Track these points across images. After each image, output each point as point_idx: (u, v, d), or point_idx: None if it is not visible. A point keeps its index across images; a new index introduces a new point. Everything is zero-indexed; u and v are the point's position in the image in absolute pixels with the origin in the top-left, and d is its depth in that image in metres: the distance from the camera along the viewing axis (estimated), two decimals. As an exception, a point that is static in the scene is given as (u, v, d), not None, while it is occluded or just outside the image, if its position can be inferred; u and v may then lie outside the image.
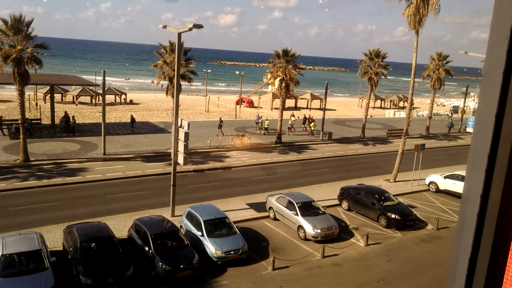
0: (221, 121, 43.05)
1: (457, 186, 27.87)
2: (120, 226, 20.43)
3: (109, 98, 59.69)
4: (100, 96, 49.17)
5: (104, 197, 24.66)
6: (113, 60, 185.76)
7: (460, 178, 27.94)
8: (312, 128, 45.24)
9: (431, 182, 29.63)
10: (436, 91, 51.79)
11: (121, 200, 24.26)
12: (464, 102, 62.46)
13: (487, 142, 1.07)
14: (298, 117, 50.78)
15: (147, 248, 16.92)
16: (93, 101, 60.81)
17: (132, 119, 43.80)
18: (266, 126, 44.66)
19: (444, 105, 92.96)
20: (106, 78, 33.71)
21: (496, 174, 1.07)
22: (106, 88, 36.85)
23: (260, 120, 45.88)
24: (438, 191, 29.02)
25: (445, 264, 18.89)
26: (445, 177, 28.87)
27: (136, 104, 64.45)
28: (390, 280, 17.36)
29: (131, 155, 33.06)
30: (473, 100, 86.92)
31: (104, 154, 32.30)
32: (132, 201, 24.06)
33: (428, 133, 51.45)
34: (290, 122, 46.05)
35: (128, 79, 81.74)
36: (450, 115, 62.73)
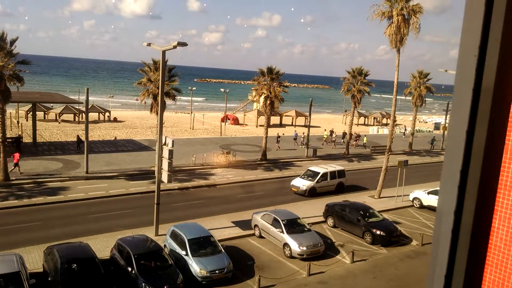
0: (278, 136, 48.09)
1: (440, 202, 28.17)
2: (103, 246, 20.02)
3: (93, 115, 59.25)
4: (83, 113, 48.76)
5: (86, 217, 24.20)
6: (97, 78, 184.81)
7: (443, 193, 28.26)
8: (364, 142, 52.42)
9: (415, 198, 29.88)
10: (418, 108, 52.74)
11: (103, 220, 23.83)
12: (446, 118, 63.62)
13: (459, 159, 1.08)
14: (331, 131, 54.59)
15: (130, 269, 16.59)
16: (76, 118, 60.21)
17: (79, 139, 39.45)
18: (307, 141, 48.01)
19: (426, 122, 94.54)
20: (90, 95, 33.46)
21: (469, 190, 1.07)
22: (89, 106, 36.54)
23: (297, 136, 50.22)
24: (422, 206, 29.26)
25: (430, 280, 18.92)
26: (428, 193, 29.17)
27: (120, 121, 64.02)
28: (376, 297, 17.29)
29: (114, 173, 32.65)
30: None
31: (87, 172, 31.83)
32: (115, 220, 23.66)
33: (411, 149, 52.13)
34: (324, 136, 53.19)
35: (112, 96, 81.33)
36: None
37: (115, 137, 48.92)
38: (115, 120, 64.34)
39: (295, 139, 49.82)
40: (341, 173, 32.32)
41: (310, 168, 32.03)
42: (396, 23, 28.42)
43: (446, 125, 60.53)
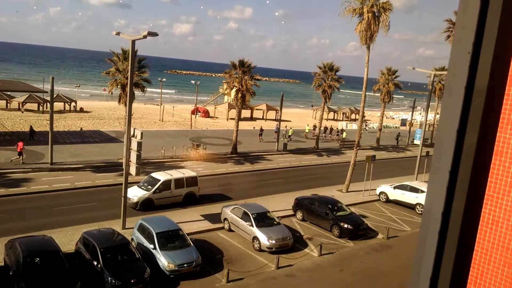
0: (262, 129, 48.91)
1: (406, 196, 28.94)
2: (67, 239, 19.49)
3: (58, 105, 57.38)
4: (48, 103, 47.16)
5: (51, 209, 23.47)
6: (63, 67, 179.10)
7: (409, 188, 29.03)
8: (343, 136, 53.46)
9: (381, 192, 30.55)
10: (386, 104, 53.86)
11: (68, 212, 23.18)
12: (412, 115, 65.24)
13: (448, 159, 1.05)
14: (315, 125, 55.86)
15: (95, 263, 16.22)
16: (41, 108, 58.18)
17: (31, 130, 38.62)
18: (290, 134, 50.30)
19: (393, 118, 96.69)
20: (55, 85, 32.34)
21: (458, 191, 1.04)
22: (54, 95, 35.37)
23: (278, 129, 49.19)
24: (388, 201, 29.96)
25: (395, 273, 19.45)
26: (394, 188, 29.89)
27: (87, 112, 62.34)
28: (343, 290, 17.61)
29: (80, 165, 31.79)
30: (420, 114, 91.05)
31: (51, 163, 30.85)
32: (81, 213, 23.06)
33: (378, 144, 53.24)
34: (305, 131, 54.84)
35: (78, 86, 78.97)
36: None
37: (81, 128, 47.62)
38: (82, 110, 62.60)
39: (276, 132, 49.89)
40: (191, 181, 26.25)
41: (152, 174, 26.14)
42: (367, 20, 28.81)
43: (412, 121, 62.15)
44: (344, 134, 55.28)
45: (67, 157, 33.38)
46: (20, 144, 30.50)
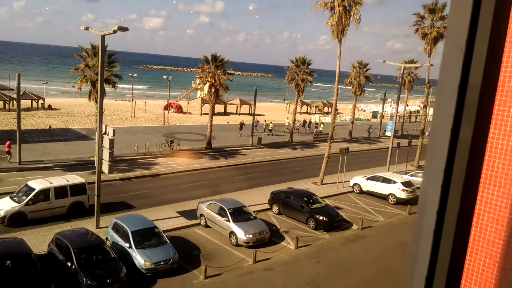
0: (242, 123, 49.57)
1: (379, 187, 29.50)
2: (39, 241, 18.96)
3: (25, 103, 55.61)
4: (14, 101, 45.64)
5: (20, 210, 22.71)
6: (29, 63, 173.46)
7: (381, 179, 29.60)
8: (321, 129, 54.36)
9: (355, 184, 31.03)
10: (357, 97, 54.63)
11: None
12: (383, 107, 66.45)
13: (442, 157, 1.04)
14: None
15: (69, 264, 15.85)
16: (6, 106, 56.19)
17: None
18: (270, 128, 51.42)
19: (365, 111, 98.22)
20: (21, 81, 31.28)
21: (453, 189, 1.04)
22: (21, 93, 34.23)
23: (258, 124, 50.76)
24: (361, 192, 30.47)
25: (370, 263, 19.85)
26: (367, 179, 30.40)
27: (56, 109, 60.65)
28: (320, 282, 17.83)
29: (50, 164, 30.94)
30: (390, 106, 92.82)
31: (20, 163, 29.90)
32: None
33: (351, 137, 54.00)
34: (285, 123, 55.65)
35: (46, 82, 76.64)
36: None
37: (50, 126, 46.30)
38: (50, 107, 60.84)
39: (255, 126, 51.00)
40: (78, 189, 22.58)
41: (28, 183, 22.18)
42: (338, 14, 29.04)
43: (384, 113, 63.30)
44: (322, 126, 56.17)
45: (36, 156, 32.42)
46: (8, 142, 30.45)
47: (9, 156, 30.30)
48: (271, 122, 53.75)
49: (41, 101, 60.84)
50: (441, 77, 1.04)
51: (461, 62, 0.99)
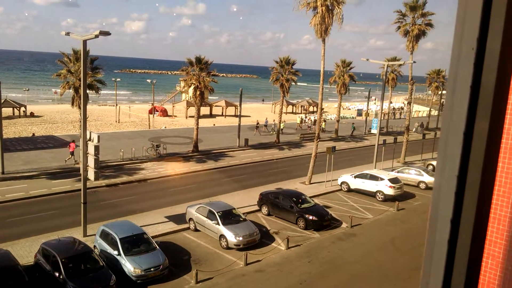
0: (258, 123, 52.60)
1: (366, 185, 29.65)
2: (25, 252, 18.57)
3: (6, 111, 54.55)
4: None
5: (5, 221, 22.25)
6: (9, 70, 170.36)
7: (368, 177, 29.76)
8: (323, 127, 53.46)
9: (342, 182, 31.14)
10: (342, 96, 54.90)
11: (25, 223, 22.08)
12: (367, 105, 66.98)
13: (455, 163, 0.98)
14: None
15: (57, 274, 15.55)
16: (-13, 115, 55.08)
17: None
18: (282, 128, 51.52)
19: (350, 109, 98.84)
20: (2, 89, 30.65)
21: (467, 197, 0.98)
22: (2, 100, 33.57)
23: (267, 123, 54.81)
24: (349, 190, 30.59)
25: (360, 261, 19.91)
26: (355, 177, 30.54)
27: (38, 116, 59.69)
28: (312, 281, 17.81)
29: (34, 173, 30.38)
30: (375, 103, 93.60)
31: (3, 172, 29.30)
32: (38, 223, 22.03)
33: (337, 135, 54.24)
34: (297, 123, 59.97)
35: (28, 90, 75.37)
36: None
37: (33, 134, 45.51)
38: (32, 115, 59.86)
39: (265, 126, 53.54)
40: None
41: None
42: (321, 13, 29.13)
43: (368, 111, 63.78)
44: (324, 124, 55.63)
45: (20, 165, 31.81)
46: (72, 144, 32.57)
47: (73, 157, 31.84)
48: (284, 121, 55.56)
49: (23, 108, 59.85)
50: (451, 78, 0.98)
51: (472, 62, 0.94)
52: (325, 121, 58.55)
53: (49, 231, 20.70)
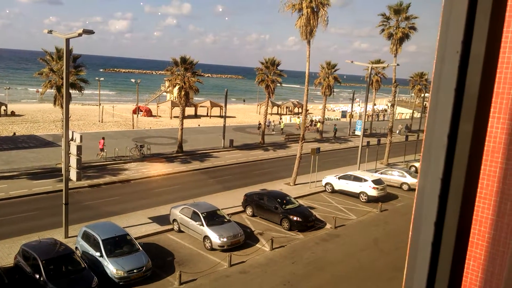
0: (260, 123, 52.03)
1: (350, 186, 29.87)
2: (5, 253, 18.20)
3: (-14, 109, 53.46)
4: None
5: (-17, 222, 21.79)
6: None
7: (352, 178, 29.98)
8: (318, 126, 55.76)
9: (327, 183, 31.31)
10: (327, 98, 55.23)
11: (4, 224, 21.62)
12: (352, 107, 67.50)
13: (439, 166, 0.98)
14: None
15: (38, 276, 15.27)
16: (-34, 113, 53.92)
17: None
18: (282, 127, 55.48)
19: (334, 110, 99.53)
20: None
21: (451, 199, 0.98)
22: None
23: (269, 123, 55.08)
24: (333, 191, 30.77)
25: (344, 261, 20.04)
26: (339, 178, 30.73)
27: (19, 115, 58.59)
28: (295, 282, 17.85)
29: (14, 173, 29.80)
30: (359, 105, 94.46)
31: (-19, 173, 28.67)
32: (18, 224, 21.61)
33: (322, 137, 54.54)
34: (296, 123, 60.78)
35: (8, 88, 73.93)
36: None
37: (14, 133, 44.65)
38: (13, 114, 58.73)
39: (268, 126, 53.50)
40: None
41: None
42: (306, 15, 29.25)
43: (352, 113, 64.30)
44: (319, 124, 56.42)
45: (0, 165, 31.17)
46: (102, 141, 34.65)
47: (103, 152, 32.98)
48: (283, 122, 60.24)
49: (3, 107, 58.71)
50: (435, 81, 0.98)
51: (457, 65, 0.94)
52: (322, 122, 58.37)
53: (29, 232, 20.31)
